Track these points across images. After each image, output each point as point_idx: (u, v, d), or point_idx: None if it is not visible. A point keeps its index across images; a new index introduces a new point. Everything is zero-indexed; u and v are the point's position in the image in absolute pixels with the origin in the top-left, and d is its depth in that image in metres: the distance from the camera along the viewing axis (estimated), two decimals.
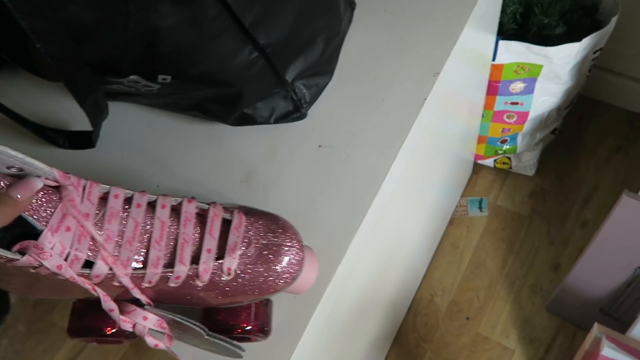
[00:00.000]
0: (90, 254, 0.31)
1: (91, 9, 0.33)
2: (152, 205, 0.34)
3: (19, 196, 0.28)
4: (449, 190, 1.04)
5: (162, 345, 0.36)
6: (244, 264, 0.34)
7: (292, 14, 0.42)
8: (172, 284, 0.33)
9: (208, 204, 0.35)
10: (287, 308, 0.43)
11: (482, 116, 1.00)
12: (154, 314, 0.34)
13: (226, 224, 0.35)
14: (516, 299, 1.08)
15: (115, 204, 0.32)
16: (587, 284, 0.91)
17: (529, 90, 0.92)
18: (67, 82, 0.36)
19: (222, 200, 0.39)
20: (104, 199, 0.32)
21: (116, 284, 0.32)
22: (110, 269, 0.31)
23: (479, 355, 1.04)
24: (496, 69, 0.88)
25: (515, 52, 0.84)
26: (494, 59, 0.86)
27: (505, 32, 0.86)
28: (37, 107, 0.57)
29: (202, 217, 0.35)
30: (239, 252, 0.34)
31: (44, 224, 0.29)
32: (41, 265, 0.29)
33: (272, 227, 0.36)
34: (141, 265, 0.33)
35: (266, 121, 0.50)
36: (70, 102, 0.57)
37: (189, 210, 0.34)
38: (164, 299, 0.34)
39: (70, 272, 0.29)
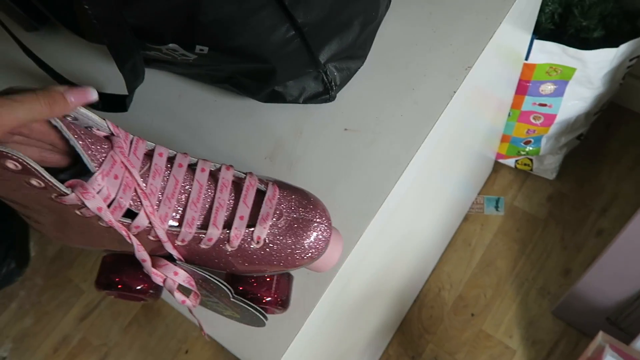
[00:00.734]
0: (132, 204, 0.32)
1: None
2: (192, 168, 0.35)
3: (72, 99, 0.30)
4: (467, 186, 1.04)
5: (188, 302, 0.37)
6: (273, 235, 0.35)
7: None
8: (203, 245, 0.34)
9: (245, 173, 0.36)
10: (300, 284, 0.44)
11: (509, 115, 0.99)
12: (185, 270, 0.36)
13: (259, 195, 0.36)
14: (523, 300, 1.08)
15: (159, 161, 0.33)
16: (596, 292, 0.91)
17: (559, 92, 0.91)
18: (110, 44, 0.37)
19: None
20: (148, 155, 0.34)
21: (152, 238, 0.33)
22: (150, 222, 0.32)
23: (480, 351, 1.05)
24: (528, 69, 0.87)
25: (549, 52, 0.83)
26: (526, 58, 0.85)
27: (542, 31, 0.85)
28: (74, 67, 0.58)
29: (237, 185, 0.36)
30: (270, 223, 0.35)
31: (96, 166, 0.30)
32: (84, 205, 0.30)
33: (303, 203, 0.37)
34: (177, 224, 0.34)
35: (295, 100, 0.50)
36: (105, 65, 0.58)
37: (227, 177, 0.35)
38: (193, 260, 0.36)
39: (109, 216, 0.31)
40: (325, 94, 0.50)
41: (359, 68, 0.52)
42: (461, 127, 0.64)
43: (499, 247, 1.13)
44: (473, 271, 1.12)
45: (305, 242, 0.36)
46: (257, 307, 0.38)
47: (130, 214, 0.32)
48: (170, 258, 0.35)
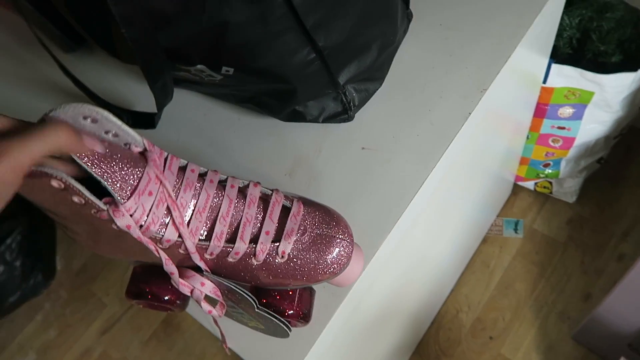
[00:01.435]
0: (164, 219, 0.34)
1: (172, 0, 0.37)
2: (221, 185, 0.37)
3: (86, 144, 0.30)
4: (485, 208, 1.04)
5: (215, 312, 0.39)
6: (297, 250, 0.37)
7: (352, 19, 0.44)
8: (230, 259, 0.36)
9: (271, 190, 0.38)
10: (316, 297, 0.46)
11: (527, 137, 1.00)
12: (211, 281, 0.37)
13: (285, 211, 0.38)
14: (542, 324, 1.07)
15: (191, 176, 0.35)
16: (617, 317, 0.89)
17: (577, 116, 0.92)
18: (143, 64, 0.39)
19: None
20: (181, 170, 0.36)
21: (181, 251, 0.35)
22: (180, 235, 0.34)
23: None
24: (546, 92, 0.88)
25: (567, 76, 0.84)
26: (544, 82, 0.86)
27: (560, 55, 0.86)
28: (108, 86, 0.62)
29: (264, 201, 0.38)
30: (294, 238, 0.37)
31: (130, 189, 0.32)
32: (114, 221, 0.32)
33: (327, 219, 0.38)
34: (205, 237, 0.36)
35: (315, 120, 0.52)
36: (136, 84, 0.62)
37: (254, 193, 0.37)
38: (220, 272, 0.37)
39: (138, 233, 0.33)
40: (344, 114, 0.52)
41: (377, 89, 0.54)
42: (478, 148, 0.65)
43: (517, 270, 1.13)
44: (491, 293, 1.12)
45: (328, 257, 0.37)
46: (280, 319, 0.39)
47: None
48: (197, 269, 0.37)
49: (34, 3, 0.57)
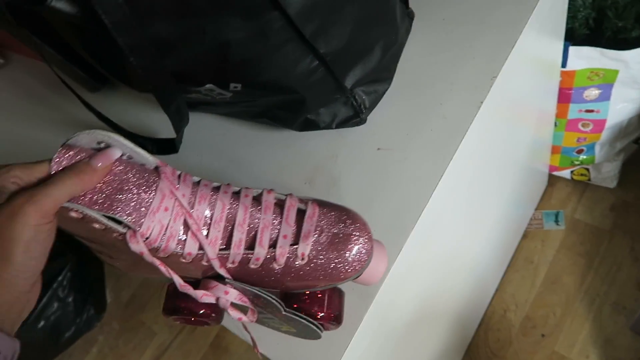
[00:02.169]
0: (183, 233, 0.35)
1: (173, 26, 0.39)
2: (235, 195, 0.38)
3: (99, 165, 0.33)
4: (520, 202, 1.02)
5: (245, 318, 0.39)
6: (316, 250, 0.37)
7: (350, 24, 0.45)
8: (252, 265, 0.37)
9: (285, 195, 0.39)
10: (345, 300, 0.46)
11: (555, 125, 0.97)
12: (235, 288, 0.38)
13: (300, 214, 0.38)
14: (596, 317, 1.02)
15: (204, 189, 0.37)
16: None
17: (604, 97, 0.89)
18: (154, 89, 0.42)
19: None
20: (195, 185, 0.37)
21: (205, 263, 0.36)
22: (200, 247, 0.35)
23: None
24: (567, 76, 0.86)
25: (587, 57, 0.82)
26: (564, 66, 0.84)
27: (577, 37, 0.84)
28: (131, 118, 0.65)
29: (279, 206, 0.39)
30: (312, 239, 0.37)
31: (139, 210, 0.34)
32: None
33: (342, 218, 0.39)
34: (224, 247, 0.37)
35: (328, 126, 0.54)
36: (157, 114, 0.65)
37: (269, 199, 0.38)
38: (246, 280, 0.38)
39: (151, 259, 0.34)
40: (356, 117, 0.53)
41: (386, 90, 0.55)
42: (497, 139, 0.64)
43: (563, 263, 1.09)
44: (538, 290, 1.08)
45: (347, 255, 0.38)
46: (310, 319, 0.40)
47: None
48: (222, 279, 0.38)
49: (58, 49, 0.61)
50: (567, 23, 0.85)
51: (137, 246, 0.34)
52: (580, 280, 1.06)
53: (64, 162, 0.33)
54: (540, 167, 1.04)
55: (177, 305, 0.41)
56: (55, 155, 0.33)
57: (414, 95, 0.55)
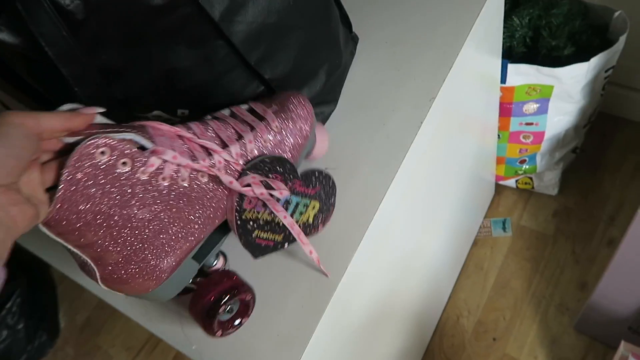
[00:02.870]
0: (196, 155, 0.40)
1: (119, 55, 0.40)
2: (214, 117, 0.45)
3: (84, 111, 0.35)
4: (470, 211, 1.06)
5: (289, 218, 0.45)
6: (281, 128, 0.45)
7: (294, 50, 0.47)
8: (265, 151, 0.44)
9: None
10: (295, 315, 0.47)
11: (499, 137, 1.02)
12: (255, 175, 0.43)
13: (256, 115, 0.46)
14: (543, 318, 1.07)
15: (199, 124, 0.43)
16: (613, 302, 0.90)
17: (542, 110, 0.94)
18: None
19: None
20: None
21: (229, 171, 0.41)
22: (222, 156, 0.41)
23: None
24: (507, 91, 0.91)
25: (525, 74, 0.87)
26: (504, 82, 0.89)
27: (515, 55, 0.90)
28: None
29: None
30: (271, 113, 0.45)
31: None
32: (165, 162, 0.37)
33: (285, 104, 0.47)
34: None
35: None
36: None
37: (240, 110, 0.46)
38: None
39: (186, 160, 0.38)
40: None
41: (332, 111, 0.57)
42: (440, 153, 0.67)
43: (511, 268, 1.14)
44: (489, 295, 1.13)
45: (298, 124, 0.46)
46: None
47: None
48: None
49: (4, 75, 0.60)
50: (506, 42, 0.90)
51: (169, 153, 0.37)
52: (527, 284, 1.11)
53: None
54: (487, 177, 1.09)
55: (215, 294, 0.44)
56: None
57: (359, 116, 0.57)
